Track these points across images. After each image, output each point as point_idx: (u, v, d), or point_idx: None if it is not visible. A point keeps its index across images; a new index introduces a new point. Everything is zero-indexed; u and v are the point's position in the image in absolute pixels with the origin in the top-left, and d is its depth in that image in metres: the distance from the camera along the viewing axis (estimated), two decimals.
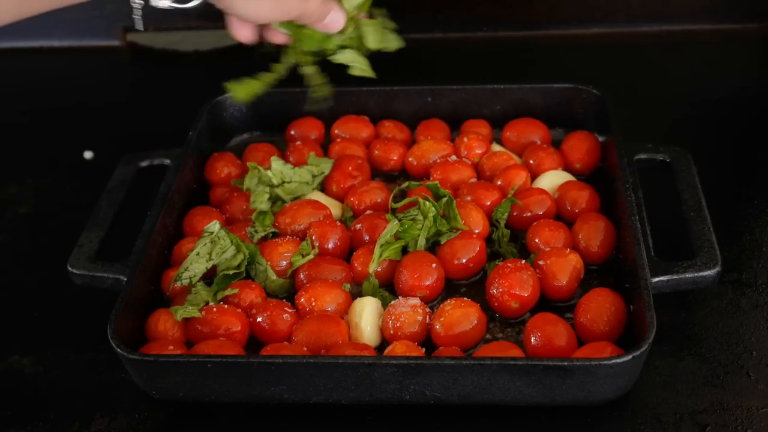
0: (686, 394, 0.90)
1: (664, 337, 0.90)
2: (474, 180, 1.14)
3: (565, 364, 0.84)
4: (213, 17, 1.53)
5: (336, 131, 1.24)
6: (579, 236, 1.03)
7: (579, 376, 0.84)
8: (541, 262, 0.99)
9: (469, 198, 1.09)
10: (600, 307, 0.93)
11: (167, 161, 1.16)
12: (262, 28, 0.92)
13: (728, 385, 0.91)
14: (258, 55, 0.99)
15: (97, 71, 1.53)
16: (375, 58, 1.00)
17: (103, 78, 1.51)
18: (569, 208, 1.09)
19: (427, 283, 0.99)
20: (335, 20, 0.89)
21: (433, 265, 1.00)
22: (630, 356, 0.83)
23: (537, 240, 1.04)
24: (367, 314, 0.96)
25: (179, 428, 0.91)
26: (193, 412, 0.91)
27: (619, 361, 0.83)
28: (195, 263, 1.00)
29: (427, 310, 0.96)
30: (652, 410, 0.88)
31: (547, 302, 0.99)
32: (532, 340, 0.91)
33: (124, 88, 1.48)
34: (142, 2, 0.87)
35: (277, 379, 0.87)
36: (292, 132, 1.24)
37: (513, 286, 0.96)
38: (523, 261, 1.00)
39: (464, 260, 1.02)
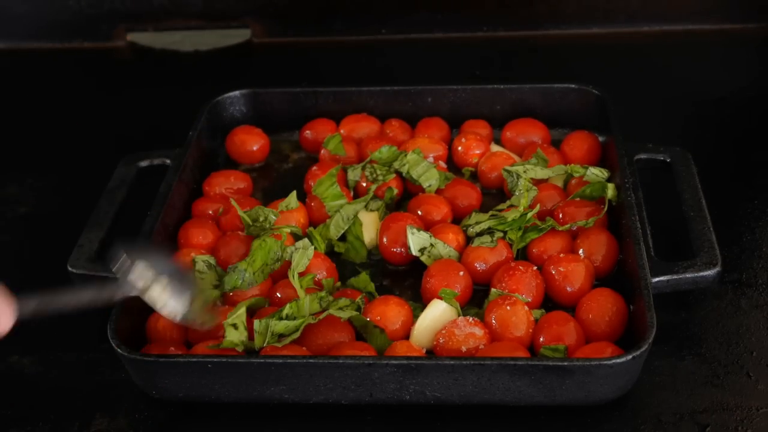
0: (686, 394, 0.90)
1: (664, 337, 0.90)
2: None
3: (565, 364, 0.84)
4: (213, 17, 1.54)
5: (342, 131, 1.23)
6: (580, 252, 1.02)
7: (579, 376, 0.84)
8: (561, 268, 0.98)
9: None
10: (601, 307, 0.93)
11: (167, 161, 1.16)
12: None
13: (728, 385, 0.90)
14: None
15: (97, 71, 1.53)
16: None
17: (103, 78, 1.51)
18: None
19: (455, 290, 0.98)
20: None
21: (461, 272, 1.00)
22: (630, 356, 0.83)
23: (535, 250, 1.03)
24: (430, 315, 0.96)
25: (179, 428, 0.91)
26: (193, 412, 0.91)
27: (619, 361, 0.83)
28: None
29: (482, 342, 0.92)
30: (653, 410, 0.88)
31: (552, 302, 0.99)
32: (541, 339, 0.92)
33: (124, 88, 1.48)
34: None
35: (277, 379, 0.87)
36: (307, 133, 1.24)
37: (519, 289, 0.96)
38: (534, 267, 0.99)
39: (488, 266, 1.02)
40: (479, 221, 1.05)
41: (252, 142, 1.23)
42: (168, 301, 0.85)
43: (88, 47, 1.55)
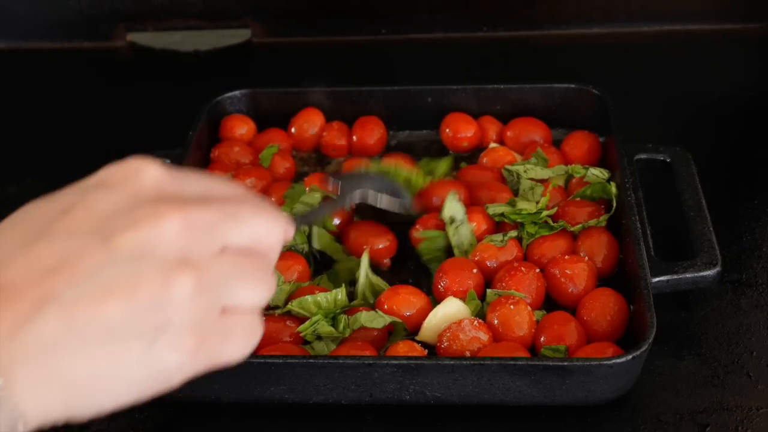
0: (686, 394, 0.90)
1: (664, 337, 0.90)
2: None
3: (565, 364, 0.84)
4: (213, 17, 1.54)
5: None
6: (581, 253, 1.01)
7: (579, 376, 0.84)
8: (567, 270, 0.98)
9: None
10: (603, 306, 0.93)
11: (167, 161, 1.16)
12: None
13: (728, 385, 0.91)
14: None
15: (97, 71, 1.53)
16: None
17: (103, 78, 1.51)
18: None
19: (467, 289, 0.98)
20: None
21: (474, 270, 0.99)
22: (630, 356, 0.83)
23: (536, 251, 1.02)
24: (441, 312, 0.95)
25: (179, 428, 0.91)
26: (193, 412, 0.91)
27: (619, 361, 0.83)
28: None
29: (486, 345, 0.91)
30: (653, 410, 0.88)
31: (552, 303, 0.99)
32: (542, 339, 0.92)
33: (124, 88, 1.48)
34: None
35: (277, 379, 0.87)
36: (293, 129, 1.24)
37: (519, 290, 0.96)
38: (537, 270, 0.98)
39: (498, 264, 1.01)
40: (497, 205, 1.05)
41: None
42: (384, 201, 0.98)
43: (88, 47, 1.55)
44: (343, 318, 0.94)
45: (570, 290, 0.97)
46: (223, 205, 0.56)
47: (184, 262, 0.52)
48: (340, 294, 0.96)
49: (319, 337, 0.94)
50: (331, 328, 0.93)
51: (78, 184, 0.56)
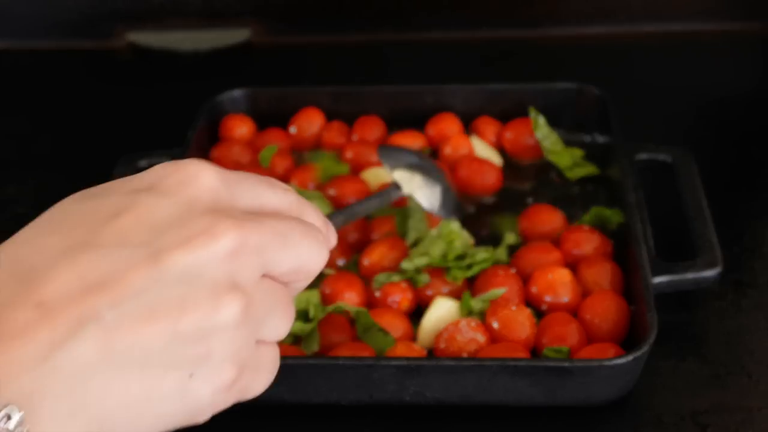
0: (687, 395, 0.90)
1: (665, 338, 0.90)
2: None
3: (566, 364, 0.84)
4: (213, 17, 1.54)
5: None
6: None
7: (580, 377, 0.84)
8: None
9: None
10: (604, 307, 0.93)
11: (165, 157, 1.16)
12: None
13: (729, 385, 0.90)
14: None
15: (96, 71, 1.53)
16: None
17: (103, 78, 1.51)
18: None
19: None
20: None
21: None
22: (631, 357, 0.83)
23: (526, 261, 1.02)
24: (435, 315, 0.95)
25: (179, 428, 0.91)
26: None
27: (620, 361, 0.83)
28: None
29: (482, 346, 0.91)
30: (654, 411, 0.88)
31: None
32: (543, 341, 0.91)
33: (124, 88, 1.48)
34: None
35: (277, 379, 0.87)
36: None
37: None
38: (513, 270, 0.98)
39: None
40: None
41: None
42: (422, 196, 0.91)
43: (87, 47, 1.55)
44: None
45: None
46: (275, 223, 0.52)
47: (234, 286, 0.48)
48: None
49: None
50: (301, 326, 0.92)
51: (127, 182, 0.51)
